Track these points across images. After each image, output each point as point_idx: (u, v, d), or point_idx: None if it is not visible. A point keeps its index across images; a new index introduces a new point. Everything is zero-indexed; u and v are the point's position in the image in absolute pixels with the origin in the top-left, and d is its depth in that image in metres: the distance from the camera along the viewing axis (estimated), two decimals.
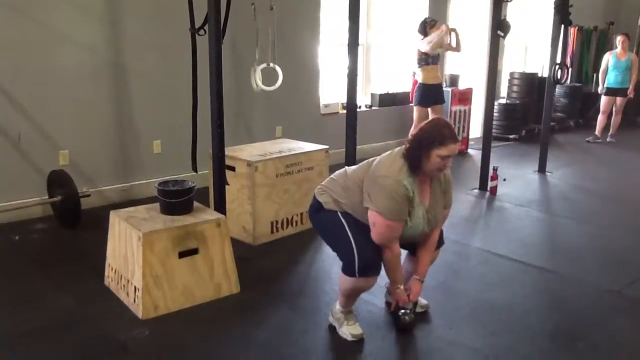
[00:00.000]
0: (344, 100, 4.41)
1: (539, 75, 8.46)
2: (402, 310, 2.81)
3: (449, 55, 7.55)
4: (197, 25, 3.54)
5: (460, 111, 7.09)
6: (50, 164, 4.40)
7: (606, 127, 8.08)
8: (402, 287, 2.78)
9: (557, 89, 8.55)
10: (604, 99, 8.04)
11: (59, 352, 2.64)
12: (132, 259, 2.97)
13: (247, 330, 2.86)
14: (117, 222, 3.15)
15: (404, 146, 2.63)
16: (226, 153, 3.56)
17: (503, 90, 8.61)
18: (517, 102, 8.23)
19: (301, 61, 5.85)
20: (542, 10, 8.25)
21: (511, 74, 8.51)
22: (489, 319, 3.00)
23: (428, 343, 2.80)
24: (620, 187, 5.87)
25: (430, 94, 6.36)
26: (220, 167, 3.47)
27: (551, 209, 5.11)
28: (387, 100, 6.93)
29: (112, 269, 3.24)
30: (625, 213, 4.98)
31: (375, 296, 3.09)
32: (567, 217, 4.84)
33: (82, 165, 4.62)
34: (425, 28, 6.16)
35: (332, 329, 2.84)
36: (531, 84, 8.34)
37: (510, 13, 6.99)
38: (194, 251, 3.05)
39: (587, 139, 8.14)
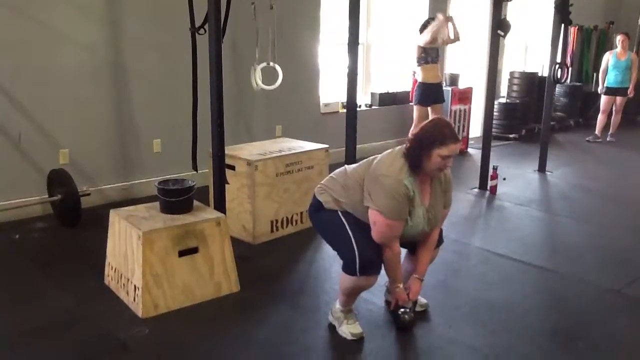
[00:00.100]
0: (344, 99, 4.41)
1: (539, 74, 8.47)
2: (402, 309, 2.82)
3: (449, 55, 7.56)
4: (197, 25, 3.54)
5: (460, 110, 7.09)
6: (51, 163, 4.41)
7: (606, 127, 8.07)
8: (401, 286, 2.78)
9: (557, 89, 8.55)
10: (604, 99, 8.04)
11: (59, 351, 2.65)
12: (132, 257, 2.97)
13: (247, 328, 2.86)
14: (117, 221, 3.16)
15: (404, 145, 2.63)
16: (226, 152, 3.56)
17: (503, 89, 8.62)
18: (517, 101, 8.23)
19: (301, 60, 5.85)
20: (542, 10, 8.26)
21: (511, 73, 8.51)
22: (489, 318, 3.01)
23: (428, 342, 2.80)
24: (620, 186, 5.87)
25: (430, 93, 6.36)
26: (220, 166, 3.47)
27: (551, 208, 5.12)
28: (387, 100, 6.93)
29: (112, 268, 3.24)
30: (625, 212, 4.98)
31: (375, 295, 3.09)
32: (567, 216, 4.84)
33: (82, 164, 4.62)
34: (427, 25, 6.17)
35: (332, 328, 2.84)
36: (531, 84, 8.34)
37: (511, 12, 6.99)
38: (194, 250, 3.05)
39: (587, 139, 8.15)
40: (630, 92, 7.87)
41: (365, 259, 2.59)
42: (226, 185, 3.54)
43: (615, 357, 2.74)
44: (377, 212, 2.55)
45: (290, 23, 5.47)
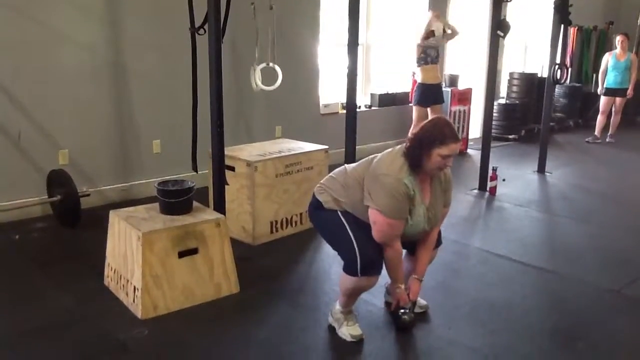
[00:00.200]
0: (344, 100, 4.41)
1: (539, 75, 8.48)
2: (402, 310, 2.82)
3: (449, 56, 7.56)
4: (197, 25, 3.54)
5: (459, 111, 7.09)
6: (50, 164, 4.40)
7: (605, 127, 8.08)
8: (402, 286, 2.78)
9: (556, 89, 8.54)
10: (603, 99, 8.04)
11: (58, 351, 2.65)
12: (132, 258, 2.97)
13: (247, 329, 2.86)
14: (117, 222, 3.15)
15: (404, 144, 2.64)
16: (226, 153, 3.56)
17: (503, 90, 8.62)
18: (517, 102, 8.23)
19: (301, 61, 5.85)
20: (541, 10, 8.26)
21: (511, 74, 8.52)
22: (489, 319, 3.01)
23: (428, 343, 2.80)
24: (619, 187, 5.87)
25: (429, 93, 6.36)
26: (220, 167, 3.47)
27: (550, 209, 5.12)
28: (387, 100, 6.93)
29: (111, 269, 3.24)
30: (624, 213, 4.99)
31: (374, 296, 3.09)
32: (567, 217, 4.84)
33: (82, 164, 4.62)
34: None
35: (331, 329, 2.84)
36: (531, 84, 8.35)
37: (510, 13, 6.99)
38: (194, 251, 3.05)
39: (586, 139, 8.15)
40: (629, 93, 7.87)
41: (366, 259, 2.58)
42: (226, 186, 3.54)
43: (615, 357, 2.74)
44: (378, 211, 2.55)
45: (290, 23, 5.47)
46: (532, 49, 9.12)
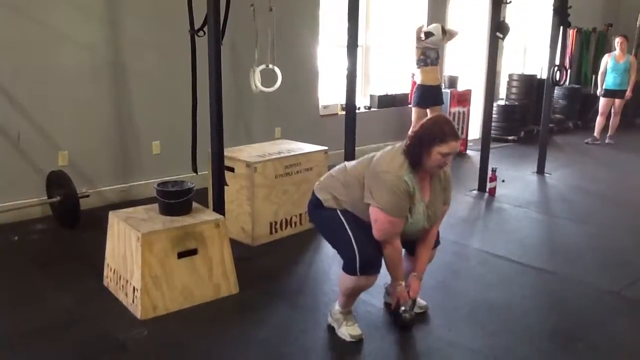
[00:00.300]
0: (343, 101, 4.42)
1: (538, 76, 8.48)
2: (402, 308, 2.82)
3: (448, 57, 7.57)
4: (196, 27, 3.54)
5: (459, 112, 7.10)
6: (50, 165, 4.40)
7: (605, 129, 8.09)
8: (403, 284, 2.78)
9: (555, 91, 8.52)
10: (602, 101, 8.05)
11: (58, 352, 2.65)
12: (131, 259, 2.97)
13: (247, 329, 2.86)
14: (116, 223, 3.15)
15: (404, 142, 2.64)
16: (225, 154, 3.57)
17: (502, 91, 8.63)
18: (516, 103, 8.24)
19: (300, 62, 5.86)
20: (541, 12, 8.28)
21: (510, 75, 8.53)
22: (488, 320, 3.01)
23: (427, 343, 2.80)
24: (619, 188, 5.88)
25: (429, 95, 6.37)
26: (220, 168, 3.47)
27: (550, 210, 5.12)
28: (386, 102, 6.93)
29: (111, 269, 3.24)
30: (624, 214, 4.99)
31: (373, 297, 3.10)
32: (566, 218, 4.84)
33: (82, 165, 4.62)
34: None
35: (331, 329, 2.84)
36: (530, 86, 8.36)
37: (509, 15, 7.00)
38: (193, 252, 3.05)
39: (585, 141, 8.16)
40: (628, 95, 7.88)
41: (365, 258, 2.59)
42: (225, 187, 3.54)
43: (615, 358, 2.74)
44: (379, 209, 2.56)
45: (290, 25, 5.47)
46: (531, 51, 9.13)
